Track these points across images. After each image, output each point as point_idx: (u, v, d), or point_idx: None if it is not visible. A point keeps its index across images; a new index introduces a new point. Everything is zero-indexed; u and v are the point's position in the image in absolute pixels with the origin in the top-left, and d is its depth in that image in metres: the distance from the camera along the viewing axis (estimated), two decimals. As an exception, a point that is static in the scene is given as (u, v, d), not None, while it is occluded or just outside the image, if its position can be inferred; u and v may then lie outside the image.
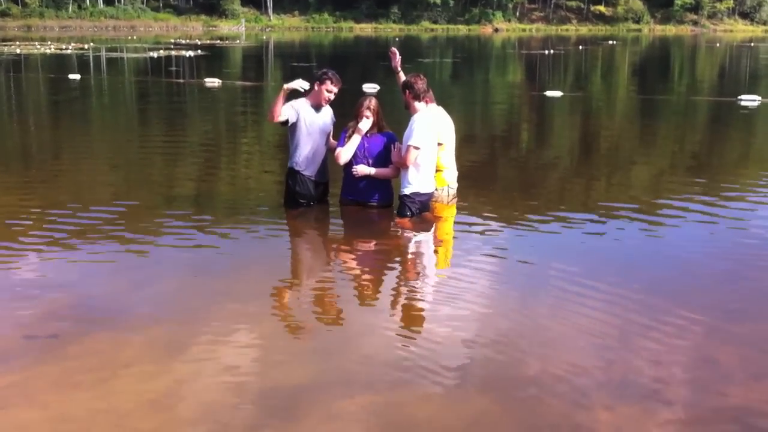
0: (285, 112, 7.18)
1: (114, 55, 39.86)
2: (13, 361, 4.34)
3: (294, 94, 7.19)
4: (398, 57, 7.90)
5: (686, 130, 15.71)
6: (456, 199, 7.82)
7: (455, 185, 7.82)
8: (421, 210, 7.32)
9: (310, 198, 7.48)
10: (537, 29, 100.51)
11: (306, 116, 7.28)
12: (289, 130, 7.37)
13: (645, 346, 4.61)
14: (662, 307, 5.21)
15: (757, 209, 8.17)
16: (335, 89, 7.33)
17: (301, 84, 7.06)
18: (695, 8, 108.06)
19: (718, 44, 64.05)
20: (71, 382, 4.10)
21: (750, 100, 18.72)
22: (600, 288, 5.56)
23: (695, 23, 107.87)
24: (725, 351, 4.61)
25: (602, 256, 6.49)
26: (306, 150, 7.33)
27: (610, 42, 63.55)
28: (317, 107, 7.37)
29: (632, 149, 12.92)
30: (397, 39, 66.36)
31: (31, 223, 7.29)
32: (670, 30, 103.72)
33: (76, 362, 4.33)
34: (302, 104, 7.31)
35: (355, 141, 7.27)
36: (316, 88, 7.32)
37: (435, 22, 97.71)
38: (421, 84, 7.31)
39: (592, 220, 7.50)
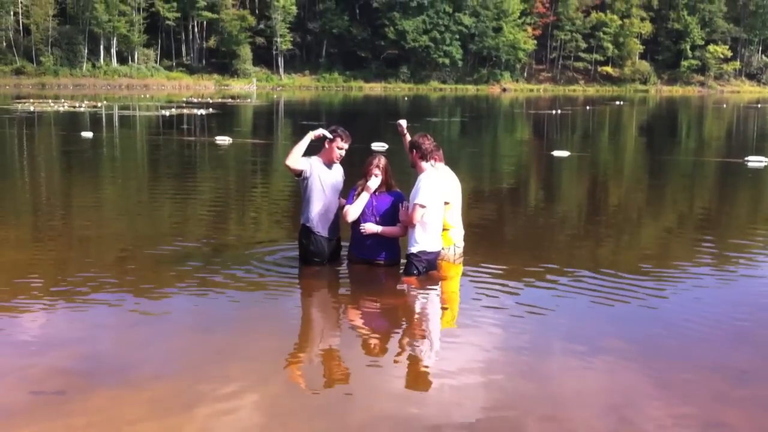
0: (303, 163, 7.29)
1: (126, 113, 40.40)
2: (19, 416, 4.34)
3: (308, 150, 7.29)
4: (405, 127, 8.15)
5: (693, 190, 15.75)
6: (463, 258, 7.84)
7: (462, 244, 7.85)
8: (428, 269, 7.33)
9: (323, 257, 7.53)
10: (545, 89, 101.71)
11: (320, 173, 7.38)
12: (301, 184, 7.45)
13: (651, 408, 4.58)
14: (668, 368, 5.19)
15: (763, 270, 8.15)
16: (346, 146, 7.43)
17: (324, 132, 7.32)
18: (702, 69, 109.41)
19: (725, 105, 64.55)
20: (76, 439, 4.10)
21: (757, 161, 18.70)
22: (606, 349, 5.56)
23: (702, 84, 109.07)
24: (731, 414, 4.58)
25: (609, 316, 6.47)
26: (318, 206, 7.40)
27: (618, 102, 64.11)
28: (329, 165, 7.47)
29: (639, 209, 12.97)
30: (406, 98, 67.15)
31: (40, 278, 7.33)
32: (677, 91, 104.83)
33: (81, 419, 4.33)
34: (316, 161, 7.41)
35: (363, 199, 7.33)
36: (326, 146, 7.44)
37: (444, 81, 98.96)
38: (428, 144, 7.39)
39: (598, 280, 7.47)
